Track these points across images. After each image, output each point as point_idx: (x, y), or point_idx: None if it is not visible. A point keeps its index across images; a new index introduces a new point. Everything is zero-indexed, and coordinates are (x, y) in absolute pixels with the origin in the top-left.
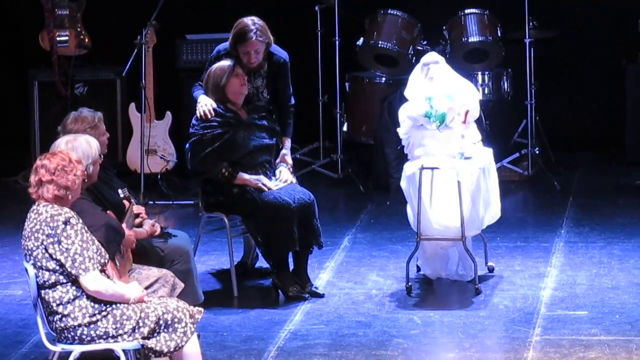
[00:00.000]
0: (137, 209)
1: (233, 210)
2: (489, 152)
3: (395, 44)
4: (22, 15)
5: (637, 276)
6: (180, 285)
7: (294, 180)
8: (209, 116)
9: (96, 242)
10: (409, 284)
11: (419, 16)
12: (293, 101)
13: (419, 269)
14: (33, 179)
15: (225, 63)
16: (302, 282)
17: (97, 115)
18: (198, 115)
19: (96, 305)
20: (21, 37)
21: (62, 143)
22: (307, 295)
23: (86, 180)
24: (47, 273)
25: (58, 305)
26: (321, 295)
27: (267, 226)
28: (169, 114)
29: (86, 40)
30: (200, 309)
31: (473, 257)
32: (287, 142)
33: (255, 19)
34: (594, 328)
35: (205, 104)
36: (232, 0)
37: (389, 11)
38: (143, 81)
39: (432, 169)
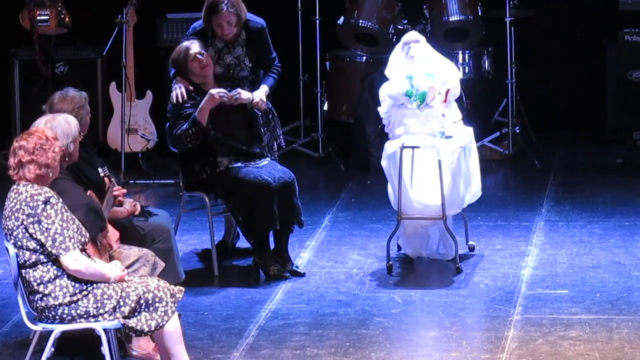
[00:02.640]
0: (117, 191)
1: (213, 190)
2: (469, 131)
3: (376, 23)
4: None
5: (617, 255)
6: (161, 265)
7: (252, 97)
8: (181, 100)
9: (76, 221)
10: (390, 263)
11: None
12: (278, 62)
13: (399, 248)
14: (12, 161)
15: (184, 46)
16: (283, 261)
17: (83, 95)
18: (172, 98)
19: (77, 285)
20: (1, 16)
21: (41, 123)
22: (287, 275)
23: (67, 159)
24: (27, 252)
25: (39, 284)
26: (302, 275)
27: (248, 205)
28: (149, 93)
29: (67, 19)
30: (181, 288)
31: (454, 236)
32: (262, 87)
33: None
34: (575, 307)
35: (179, 86)
36: None
37: None
38: (124, 60)
39: (413, 147)
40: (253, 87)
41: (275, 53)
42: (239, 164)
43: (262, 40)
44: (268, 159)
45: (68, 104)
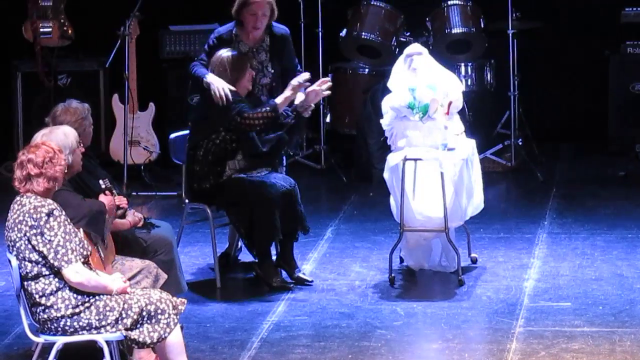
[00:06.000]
0: (119, 200)
1: (217, 199)
2: (472, 143)
3: (378, 35)
4: (5, 6)
5: (620, 267)
6: (164, 277)
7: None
8: (224, 102)
9: (79, 234)
10: (392, 275)
11: (402, 7)
12: (300, 67)
13: (402, 260)
14: (20, 173)
15: (241, 57)
16: (290, 268)
17: (86, 107)
18: (214, 97)
19: (79, 297)
20: (4, 27)
21: (38, 137)
22: (290, 286)
23: (66, 171)
24: (29, 264)
25: (41, 296)
26: (309, 282)
27: (249, 216)
28: (152, 105)
29: (69, 31)
30: (184, 300)
31: (456, 248)
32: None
33: None
34: (577, 319)
35: (222, 87)
36: None
37: (372, 2)
38: (126, 72)
39: (415, 160)
40: (272, 95)
41: (297, 60)
42: (242, 175)
43: (287, 48)
44: (268, 169)
45: (71, 115)
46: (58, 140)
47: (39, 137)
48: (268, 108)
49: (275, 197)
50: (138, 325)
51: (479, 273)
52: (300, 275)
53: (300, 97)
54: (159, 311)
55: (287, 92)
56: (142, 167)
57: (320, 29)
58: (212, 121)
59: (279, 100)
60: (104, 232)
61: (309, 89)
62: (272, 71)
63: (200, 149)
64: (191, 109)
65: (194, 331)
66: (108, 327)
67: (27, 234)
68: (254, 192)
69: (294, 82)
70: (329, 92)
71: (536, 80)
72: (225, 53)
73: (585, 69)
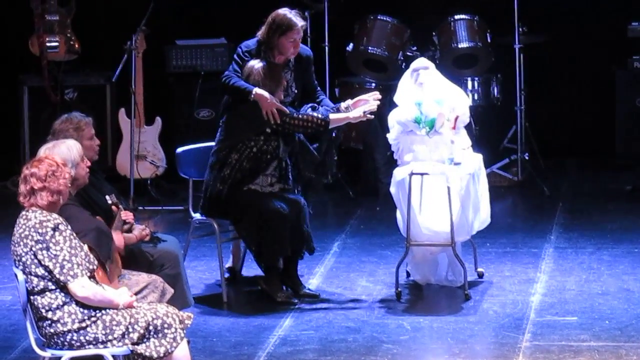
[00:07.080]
0: (125, 214)
1: (226, 210)
2: (478, 157)
3: (385, 50)
4: (11, 21)
5: (626, 282)
6: (170, 291)
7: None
8: (277, 120)
9: (85, 248)
10: (399, 289)
11: (409, 21)
12: (319, 88)
13: (408, 274)
14: (24, 188)
15: (275, 67)
16: (295, 285)
17: (85, 119)
18: (265, 115)
19: (85, 311)
20: (11, 42)
21: (41, 151)
22: (295, 301)
23: (70, 185)
24: (35, 279)
25: (47, 311)
26: (316, 296)
27: (260, 231)
28: (158, 120)
29: (76, 45)
30: (190, 314)
31: (462, 262)
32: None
33: (286, 8)
34: (584, 334)
35: (272, 105)
36: (221, 6)
37: (378, 17)
38: (133, 86)
39: (422, 174)
40: None
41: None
42: (257, 188)
43: (309, 69)
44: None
45: (65, 124)
46: (61, 153)
47: (42, 151)
48: (321, 116)
49: (287, 214)
50: (144, 340)
51: (486, 287)
52: (306, 291)
53: (347, 103)
54: (166, 325)
55: (352, 114)
56: (148, 182)
57: (326, 44)
58: (259, 121)
59: (334, 116)
60: (107, 256)
61: (360, 97)
62: (296, 91)
63: (235, 152)
64: (223, 109)
65: (201, 345)
66: (114, 342)
67: (33, 249)
68: (268, 207)
69: (366, 110)
70: (375, 107)
71: (543, 95)
72: (257, 64)
73: (591, 83)
